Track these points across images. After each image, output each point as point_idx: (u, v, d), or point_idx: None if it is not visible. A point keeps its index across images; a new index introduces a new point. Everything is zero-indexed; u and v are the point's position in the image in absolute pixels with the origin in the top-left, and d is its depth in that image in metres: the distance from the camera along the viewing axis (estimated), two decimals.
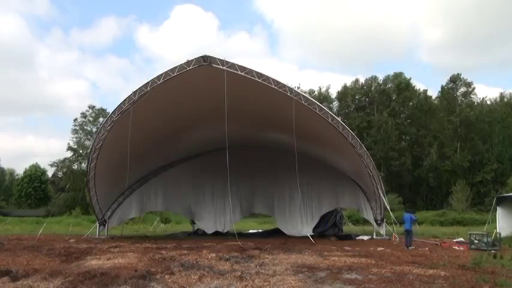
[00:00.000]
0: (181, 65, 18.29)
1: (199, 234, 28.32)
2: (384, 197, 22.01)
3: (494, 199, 22.85)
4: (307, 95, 21.29)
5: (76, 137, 62.28)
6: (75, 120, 62.72)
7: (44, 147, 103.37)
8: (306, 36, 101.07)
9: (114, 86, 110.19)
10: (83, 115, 62.82)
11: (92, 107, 63.50)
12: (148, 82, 18.96)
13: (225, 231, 28.21)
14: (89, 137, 60.50)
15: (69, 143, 62.00)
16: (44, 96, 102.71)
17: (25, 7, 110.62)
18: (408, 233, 17.43)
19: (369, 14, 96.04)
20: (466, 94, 65.24)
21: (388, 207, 20.95)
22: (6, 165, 79.98)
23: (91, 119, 62.63)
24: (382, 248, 16.48)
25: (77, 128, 62.29)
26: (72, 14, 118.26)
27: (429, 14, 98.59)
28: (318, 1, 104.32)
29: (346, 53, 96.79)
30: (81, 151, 60.33)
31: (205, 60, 17.84)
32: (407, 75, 66.46)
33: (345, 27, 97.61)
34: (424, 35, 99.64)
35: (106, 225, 25.05)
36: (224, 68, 17.73)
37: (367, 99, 67.44)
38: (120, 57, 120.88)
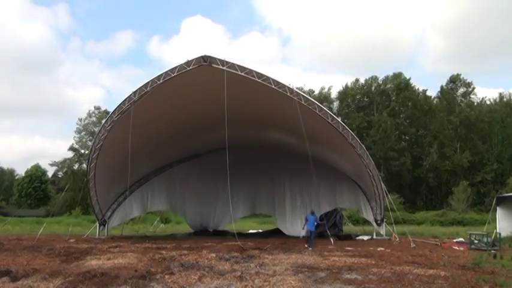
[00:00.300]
0: (181, 65, 18.27)
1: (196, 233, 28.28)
2: (387, 195, 21.90)
3: (494, 199, 22.85)
4: (307, 95, 21.27)
5: (79, 137, 62.44)
6: (81, 120, 62.95)
7: (55, 149, 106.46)
8: (311, 47, 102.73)
9: (127, 93, 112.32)
10: (89, 115, 63.06)
11: (97, 108, 63.71)
12: (148, 82, 18.95)
13: (224, 230, 28.27)
14: (91, 137, 60.54)
15: (72, 144, 62.19)
16: (62, 101, 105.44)
17: (50, 20, 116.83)
18: (311, 233, 17.57)
19: (372, 27, 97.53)
20: (466, 94, 65.29)
21: (394, 207, 20.78)
22: (9, 166, 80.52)
23: (94, 119, 62.71)
24: (382, 248, 16.47)
25: (81, 127, 62.47)
26: (91, 27, 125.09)
27: (429, 26, 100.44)
28: (324, 14, 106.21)
29: (348, 63, 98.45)
30: (82, 151, 60.37)
31: (205, 60, 17.83)
32: (406, 76, 66.67)
33: (347, 39, 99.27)
34: (425, 46, 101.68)
35: (106, 225, 25.04)
36: (224, 68, 17.72)
37: (366, 99, 67.45)
38: (134, 67, 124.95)
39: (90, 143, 58.03)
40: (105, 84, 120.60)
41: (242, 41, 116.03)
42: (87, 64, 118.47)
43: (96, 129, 60.10)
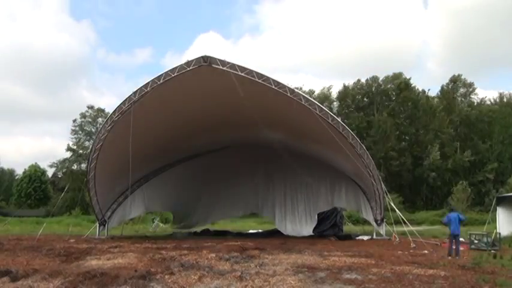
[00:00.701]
0: (181, 65, 18.27)
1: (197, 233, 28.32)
2: (387, 195, 21.85)
3: (494, 199, 22.85)
4: (307, 96, 21.28)
5: (76, 138, 62.28)
6: (75, 121, 62.67)
7: (63, 151, 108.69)
8: (317, 58, 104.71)
9: None
10: (83, 115, 62.73)
11: (90, 107, 63.42)
12: (148, 82, 18.94)
13: (224, 230, 28.30)
14: (88, 137, 60.44)
15: (68, 144, 62.06)
16: (81, 107, 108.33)
17: (80, 33, 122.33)
18: (455, 237, 14.19)
19: (374, 38, 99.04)
20: (466, 94, 65.32)
21: (395, 207, 20.66)
22: (10, 166, 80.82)
23: (90, 120, 62.54)
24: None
25: (77, 128, 62.25)
26: (113, 41, 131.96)
27: (430, 37, 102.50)
28: (329, 26, 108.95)
29: (349, 71, 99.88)
30: (80, 151, 60.25)
31: (205, 61, 17.80)
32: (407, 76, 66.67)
33: (350, 48, 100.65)
34: (426, 56, 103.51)
35: (106, 225, 25.05)
36: (224, 68, 17.71)
37: (366, 100, 67.42)
38: (149, 78, 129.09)
39: (87, 143, 58.10)
40: (121, 93, 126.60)
41: (248, 51, 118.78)
42: (107, 74, 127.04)
43: (92, 129, 60.49)
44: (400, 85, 64.63)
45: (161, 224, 37.45)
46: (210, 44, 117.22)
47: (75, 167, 61.57)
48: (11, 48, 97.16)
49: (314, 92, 67.93)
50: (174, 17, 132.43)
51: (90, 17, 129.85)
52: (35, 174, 59.56)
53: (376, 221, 23.38)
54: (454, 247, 14.11)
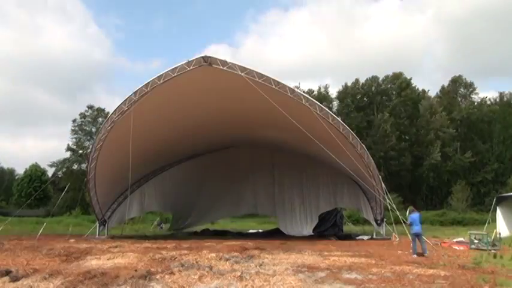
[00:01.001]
0: (181, 65, 18.25)
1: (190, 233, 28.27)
2: (387, 195, 21.82)
3: (494, 199, 22.83)
4: (307, 95, 21.26)
5: (76, 138, 62.25)
6: (74, 121, 62.63)
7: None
8: (317, 63, 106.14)
9: None
10: (82, 115, 62.68)
11: (90, 107, 63.35)
12: (148, 82, 18.93)
13: (224, 229, 28.29)
14: (88, 137, 60.41)
15: (68, 144, 62.03)
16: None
17: (99, 43, 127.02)
18: (418, 236, 14.33)
19: (376, 41, 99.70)
20: (467, 94, 65.28)
21: (394, 207, 20.59)
22: (9, 166, 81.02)
23: (90, 120, 62.49)
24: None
25: (76, 128, 62.22)
26: (129, 53, 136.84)
27: (428, 41, 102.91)
28: (329, 33, 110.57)
29: (351, 75, 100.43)
30: (80, 151, 60.23)
31: (206, 61, 17.78)
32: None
33: (350, 54, 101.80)
34: (424, 60, 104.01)
35: (106, 225, 25.08)
36: (224, 68, 17.70)
37: (366, 99, 67.33)
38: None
39: (87, 143, 58.05)
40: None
41: (251, 55, 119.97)
42: (123, 81, 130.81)
43: (92, 129, 60.46)
44: (401, 84, 64.60)
45: (164, 224, 37.45)
46: (217, 53, 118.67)
47: (75, 167, 61.60)
48: (37, 56, 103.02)
49: (314, 91, 67.89)
50: (185, 31, 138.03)
51: (110, 28, 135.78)
52: (35, 174, 59.55)
53: (376, 220, 23.40)
54: (415, 246, 14.27)
